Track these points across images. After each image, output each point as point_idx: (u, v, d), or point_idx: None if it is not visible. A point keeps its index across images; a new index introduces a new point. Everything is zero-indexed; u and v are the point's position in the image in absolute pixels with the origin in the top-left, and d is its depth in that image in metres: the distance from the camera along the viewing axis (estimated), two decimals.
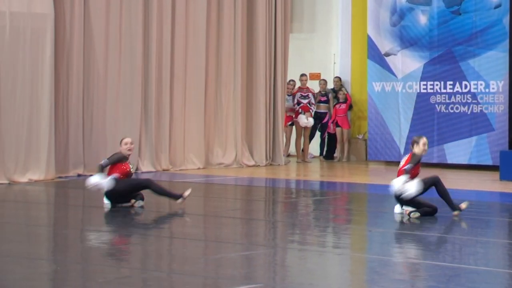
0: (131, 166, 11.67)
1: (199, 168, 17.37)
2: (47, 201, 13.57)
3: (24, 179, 14.55)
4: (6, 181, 14.30)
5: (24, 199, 13.14)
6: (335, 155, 20.02)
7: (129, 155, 11.55)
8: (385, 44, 18.69)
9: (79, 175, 15.54)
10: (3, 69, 14.38)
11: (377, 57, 18.78)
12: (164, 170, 16.85)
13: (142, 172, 16.38)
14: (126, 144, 11.50)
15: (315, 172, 17.96)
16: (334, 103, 19.85)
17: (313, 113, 19.52)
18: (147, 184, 11.52)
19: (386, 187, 15.05)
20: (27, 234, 9.85)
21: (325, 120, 19.91)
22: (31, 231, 10.11)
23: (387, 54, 18.67)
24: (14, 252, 8.50)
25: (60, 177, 14.99)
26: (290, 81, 19.57)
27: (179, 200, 11.50)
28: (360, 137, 19.91)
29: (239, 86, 18.18)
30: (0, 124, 14.30)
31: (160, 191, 11.57)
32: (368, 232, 10.25)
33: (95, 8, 15.85)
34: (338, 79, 20.06)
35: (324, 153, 20.25)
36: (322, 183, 15.99)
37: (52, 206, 12.76)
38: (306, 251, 8.97)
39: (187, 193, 11.54)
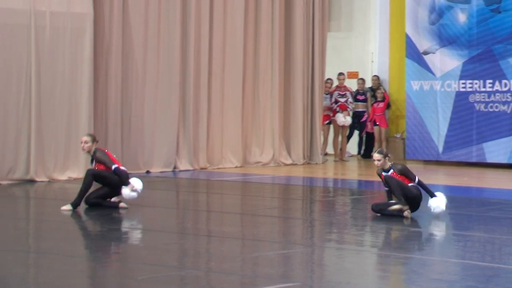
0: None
1: (236, 167, 17.39)
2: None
3: (63, 177, 14.67)
4: (46, 179, 14.43)
5: (63, 197, 13.21)
6: (372, 153, 19.92)
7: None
8: (423, 43, 18.56)
9: None
10: (43, 68, 14.50)
11: (415, 55, 18.65)
12: (201, 168, 16.89)
13: (180, 171, 16.44)
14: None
15: (353, 171, 17.89)
16: (372, 102, 19.77)
17: (351, 112, 19.46)
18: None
19: None
20: (66, 232, 9.92)
21: (363, 119, 19.84)
22: (70, 229, 10.18)
23: (426, 53, 18.54)
24: (54, 250, 8.57)
25: None
26: (327, 79, 19.52)
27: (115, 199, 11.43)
28: (398, 136, 19.80)
29: (277, 84, 18.16)
30: (40, 123, 14.43)
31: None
32: (407, 232, 10.17)
33: (134, 7, 15.92)
34: (376, 78, 19.97)
35: (362, 152, 20.17)
36: (360, 182, 15.92)
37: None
38: (343, 250, 8.94)
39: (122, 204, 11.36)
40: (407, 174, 10.61)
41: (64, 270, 7.73)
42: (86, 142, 11.30)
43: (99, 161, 11.23)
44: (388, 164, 10.70)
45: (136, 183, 11.25)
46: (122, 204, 11.32)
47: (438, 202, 10.62)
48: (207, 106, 17.05)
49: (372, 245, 9.33)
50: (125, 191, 11.17)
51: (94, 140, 11.38)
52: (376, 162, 10.69)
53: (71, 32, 14.85)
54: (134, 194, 11.23)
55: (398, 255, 8.77)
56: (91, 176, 11.17)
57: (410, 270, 7.99)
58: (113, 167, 11.18)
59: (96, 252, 8.82)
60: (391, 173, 10.61)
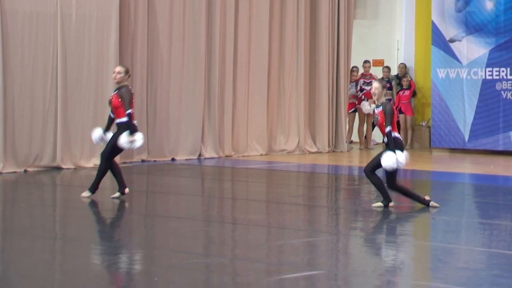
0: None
1: (261, 155, 17.40)
2: (111, 186, 13.71)
3: (89, 164, 14.74)
4: (72, 166, 14.52)
5: (90, 184, 13.29)
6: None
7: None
8: (449, 30, 18.44)
9: (143, 161, 15.69)
10: (69, 56, 14.57)
11: (441, 43, 18.54)
12: (227, 156, 16.91)
13: (205, 158, 16.47)
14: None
15: None
16: (398, 90, 19.68)
17: None
18: None
19: (450, 174, 14.91)
20: (93, 219, 9.98)
21: None
22: (96, 216, 10.24)
23: (452, 40, 18.42)
24: (81, 237, 8.62)
25: (124, 163, 15.13)
26: (353, 67, 19.46)
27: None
28: (424, 124, 19.72)
29: (302, 72, 18.13)
30: (66, 111, 14.51)
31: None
32: (432, 220, 10.14)
33: None
34: (403, 66, 19.88)
35: None
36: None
37: (116, 191, 12.88)
38: (368, 238, 8.92)
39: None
40: (386, 118, 10.31)
41: (90, 257, 7.77)
42: (119, 73, 10.89)
43: (120, 96, 10.84)
44: (383, 99, 10.47)
45: (138, 138, 10.93)
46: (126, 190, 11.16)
47: (388, 160, 10.32)
48: (232, 93, 17.06)
49: (398, 233, 9.31)
50: (124, 138, 10.84)
51: (127, 72, 11.01)
52: (373, 90, 10.44)
53: (97, 20, 14.89)
54: (129, 146, 10.92)
55: (423, 243, 8.75)
56: (106, 161, 11.10)
57: (436, 259, 7.96)
58: (128, 111, 10.83)
59: (121, 239, 8.86)
60: (379, 111, 10.38)
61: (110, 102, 11.04)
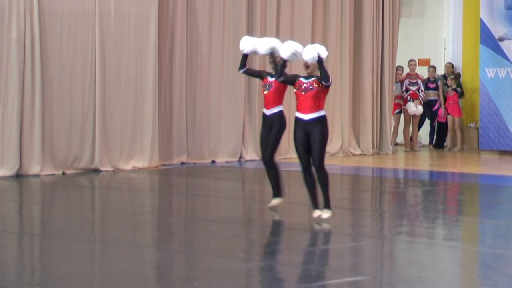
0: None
1: None
2: (151, 188, 13.82)
3: (128, 166, 14.84)
4: (111, 168, 14.62)
5: (129, 186, 13.40)
6: (445, 144, 19.76)
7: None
8: (499, 28, 18.28)
9: (182, 163, 15.76)
10: (108, 56, 14.67)
11: (490, 42, 18.39)
12: None
13: (246, 161, 16.50)
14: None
15: (424, 162, 17.74)
16: (446, 90, 19.57)
17: (422, 101, 19.29)
18: None
19: (499, 177, 14.78)
20: (132, 222, 10.05)
21: (435, 107, 19.65)
22: (135, 219, 10.31)
23: (501, 39, 18.26)
24: (120, 240, 8.69)
25: (163, 165, 15.23)
26: (398, 67, 19.37)
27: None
28: (472, 125, 19.57)
29: (346, 72, 18.09)
30: (105, 112, 14.61)
31: None
32: (480, 224, 10.07)
33: None
34: (450, 65, 19.76)
35: (434, 141, 19.99)
36: (431, 173, 15.79)
37: (156, 194, 12.98)
38: (414, 243, 8.89)
39: None
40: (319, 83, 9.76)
41: (130, 260, 7.84)
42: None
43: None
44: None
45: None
46: None
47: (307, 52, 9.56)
48: None
49: (444, 238, 9.26)
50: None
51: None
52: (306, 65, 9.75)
53: (136, 18, 14.98)
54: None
55: (472, 248, 8.69)
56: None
57: (485, 265, 7.91)
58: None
59: (161, 242, 8.92)
60: (313, 80, 9.71)
61: None
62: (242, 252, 8.40)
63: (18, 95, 13.61)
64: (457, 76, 19.62)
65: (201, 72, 16.12)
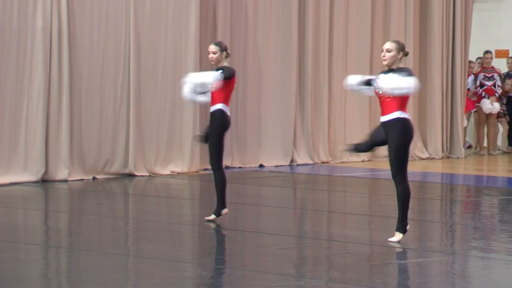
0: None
1: (362, 161, 17.34)
2: (190, 196, 13.88)
3: (165, 171, 14.92)
4: (147, 173, 14.71)
5: (166, 193, 13.47)
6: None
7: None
8: None
9: (226, 167, 15.79)
10: (144, 49, 14.69)
11: None
12: (322, 162, 16.91)
13: (298, 165, 16.50)
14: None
15: (502, 167, 17.63)
16: None
17: (499, 98, 19.15)
18: None
19: None
20: (170, 234, 10.10)
21: None
22: (174, 230, 10.36)
23: None
24: (157, 254, 8.73)
25: (205, 170, 15.27)
26: (473, 60, 19.30)
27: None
28: None
29: (411, 66, 18.00)
30: (140, 109, 14.69)
31: None
32: None
33: None
34: None
35: None
36: (510, 179, 15.67)
37: (196, 202, 13.04)
38: (490, 259, 8.83)
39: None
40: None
41: (168, 277, 7.88)
42: (213, 53, 10.42)
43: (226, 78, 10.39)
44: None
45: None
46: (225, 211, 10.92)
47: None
48: (327, 92, 17.03)
49: None
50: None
51: (222, 50, 10.49)
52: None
53: (174, 7, 15.02)
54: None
55: None
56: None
57: None
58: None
59: (203, 257, 8.95)
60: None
61: None
62: (293, 268, 8.40)
63: (43, 91, 13.75)
64: None
65: (246, 67, 16.10)
